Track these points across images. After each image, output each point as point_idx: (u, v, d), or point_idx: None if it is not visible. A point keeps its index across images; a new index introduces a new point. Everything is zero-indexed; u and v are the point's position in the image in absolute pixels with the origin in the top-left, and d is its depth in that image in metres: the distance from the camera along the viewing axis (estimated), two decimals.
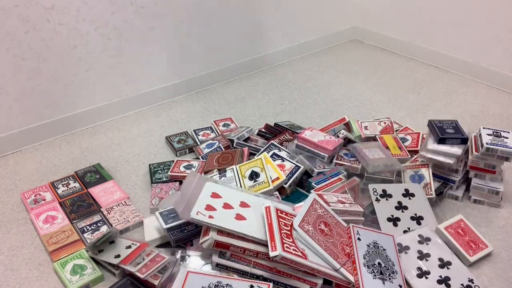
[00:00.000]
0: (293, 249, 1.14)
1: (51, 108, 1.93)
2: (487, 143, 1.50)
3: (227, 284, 1.10)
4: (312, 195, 1.30)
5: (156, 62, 2.15)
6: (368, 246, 1.25)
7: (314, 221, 1.24)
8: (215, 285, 1.09)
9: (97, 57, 1.96)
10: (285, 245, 1.13)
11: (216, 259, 1.17)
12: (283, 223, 1.20)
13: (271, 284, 1.11)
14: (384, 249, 1.26)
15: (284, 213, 1.23)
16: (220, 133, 1.96)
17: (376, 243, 1.27)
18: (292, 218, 1.23)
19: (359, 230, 1.29)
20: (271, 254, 1.10)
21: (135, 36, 2.03)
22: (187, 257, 1.21)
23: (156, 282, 1.23)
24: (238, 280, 1.12)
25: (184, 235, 1.35)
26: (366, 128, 1.88)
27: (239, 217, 1.22)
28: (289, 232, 1.18)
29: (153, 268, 1.25)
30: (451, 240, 1.37)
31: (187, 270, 1.12)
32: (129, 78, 2.10)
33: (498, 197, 1.56)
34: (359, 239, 1.26)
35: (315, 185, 1.50)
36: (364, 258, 1.21)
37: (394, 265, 1.23)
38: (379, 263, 1.22)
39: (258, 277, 1.17)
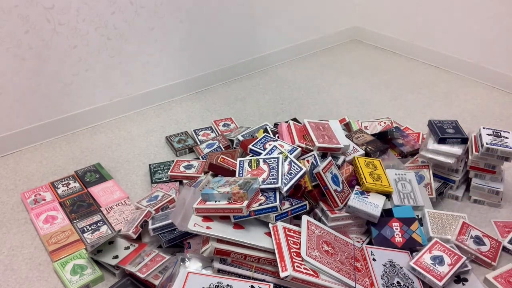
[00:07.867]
0: (304, 268, 1.12)
1: (51, 108, 1.92)
2: (487, 143, 1.50)
3: (228, 285, 1.09)
4: (305, 217, 1.28)
5: (156, 62, 2.15)
6: (385, 265, 1.24)
7: (317, 244, 1.21)
8: (216, 285, 1.09)
9: (97, 57, 1.96)
10: (296, 264, 1.11)
11: (217, 265, 1.17)
12: (291, 242, 1.17)
13: (272, 285, 1.11)
14: (401, 267, 1.24)
15: (292, 231, 1.22)
16: (220, 133, 1.96)
17: (392, 262, 1.25)
18: (300, 235, 1.21)
19: (373, 251, 1.27)
20: (282, 274, 1.09)
21: (135, 36, 2.02)
22: (187, 259, 1.21)
23: (156, 282, 1.23)
24: (238, 280, 1.12)
25: (174, 235, 1.35)
26: (366, 128, 1.88)
27: (237, 226, 1.21)
28: (298, 251, 1.16)
29: (153, 268, 1.25)
30: None
31: (188, 271, 1.12)
32: (129, 78, 2.10)
33: (498, 197, 1.56)
34: (374, 259, 1.24)
35: None
36: (382, 278, 1.19)
37: (413, 282, 1.21)
38: (398, 282, 1.20)
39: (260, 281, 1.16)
